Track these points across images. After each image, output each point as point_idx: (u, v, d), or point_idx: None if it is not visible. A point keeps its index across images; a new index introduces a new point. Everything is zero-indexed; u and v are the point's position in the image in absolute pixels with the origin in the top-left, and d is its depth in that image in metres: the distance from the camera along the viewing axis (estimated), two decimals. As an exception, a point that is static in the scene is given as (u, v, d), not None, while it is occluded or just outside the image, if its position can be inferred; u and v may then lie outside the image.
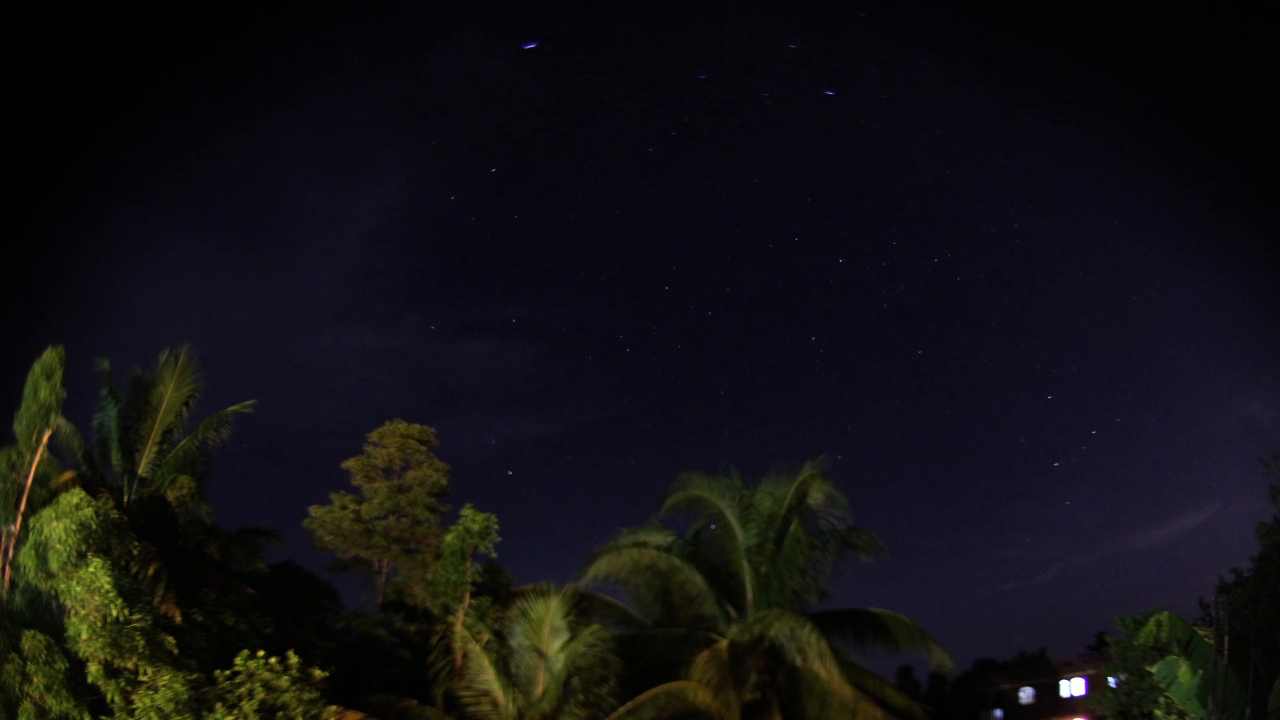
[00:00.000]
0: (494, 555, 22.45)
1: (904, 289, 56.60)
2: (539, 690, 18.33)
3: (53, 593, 15.03)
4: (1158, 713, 19.10)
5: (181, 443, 19.95)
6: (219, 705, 14.61)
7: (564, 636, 18.53)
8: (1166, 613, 19.09)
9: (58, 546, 14.71)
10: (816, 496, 20.90)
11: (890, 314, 58.03)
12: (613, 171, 56.10)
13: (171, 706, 14.03)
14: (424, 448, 28.39)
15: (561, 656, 18.16)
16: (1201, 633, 17.30)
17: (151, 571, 16.82)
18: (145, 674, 14.42)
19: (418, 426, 28.51)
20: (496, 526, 21.61)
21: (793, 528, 20.51)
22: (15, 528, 16.13)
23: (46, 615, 15.33)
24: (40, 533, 15.00)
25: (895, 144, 53.17)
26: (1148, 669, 19.56)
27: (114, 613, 14.23)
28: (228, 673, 15.13)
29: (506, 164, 53.71)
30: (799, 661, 18.97)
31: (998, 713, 42.23)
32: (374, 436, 28.36)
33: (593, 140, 53.48)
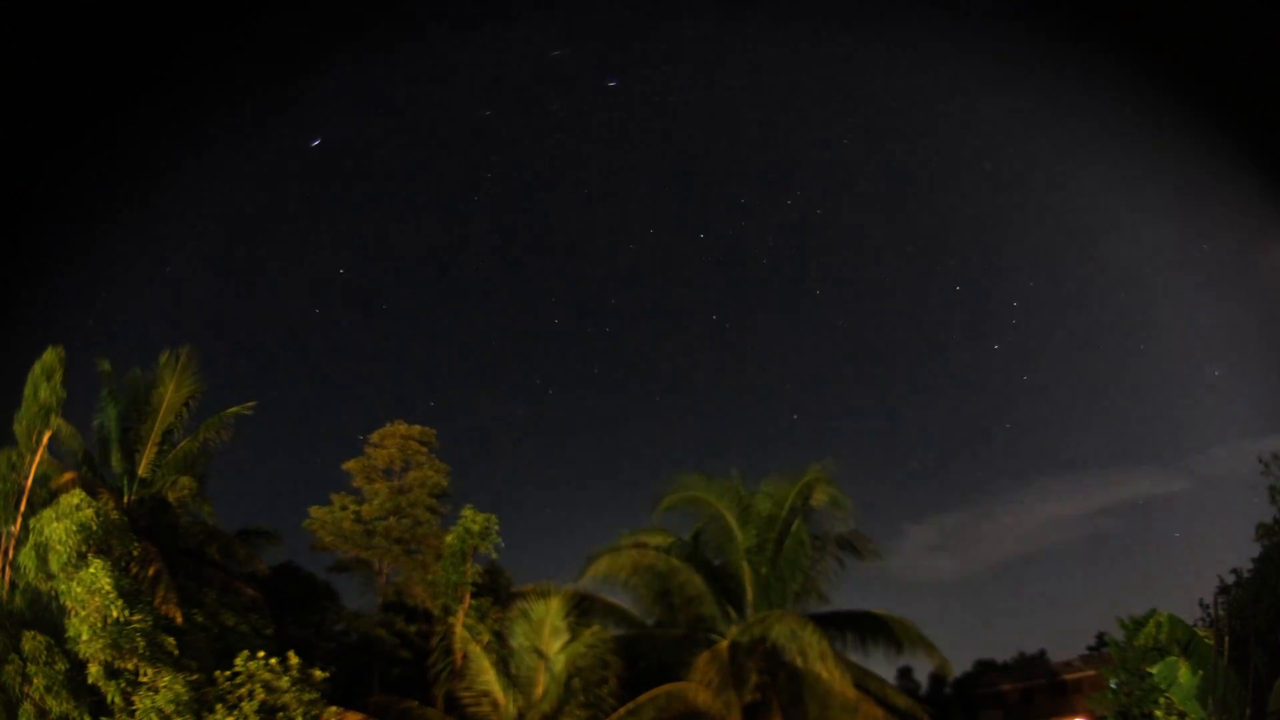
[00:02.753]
0: (494, 556, 22.51)
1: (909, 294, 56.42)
2: (539, 691, 18.33)
3: (53, 594, 15.03)
4: (1158, 713, 19.09)
5: (182, 443, 19.95)
6: (219, 706, 14.61)
7: (564, 637, 18.53)
8: (1166, 613, 19.11)
9: (58, 547, 14.71)
10: (820, 498, 20.94)
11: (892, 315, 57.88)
12: (610, 172, 56.14)
13: (172, 708, 14.02)
14: (424, 449, 28.42)
15: (562, 657, 18.16)
16: (1201, 633, 17.32)
17: (152, 572, 16.81)
18: (145, 675, 14.41)
19: (418, 427, 28.54)
20: (497, 527, 21.65)
21: (794, 529, 20.52)
22: (15, 529, 16.13)
23: (47, 616, 15.32)
24: (40, 533, 15.00)
25: (897, 144, 53.07)
26: (1148, 670, 19.57)
27: (114, 614, 14.23)
28: (228, 674, 15.13)
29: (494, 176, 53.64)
30: (799, 662, 18.96)
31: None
32: (374, 438, 28.38)
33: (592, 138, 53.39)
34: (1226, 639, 15.81)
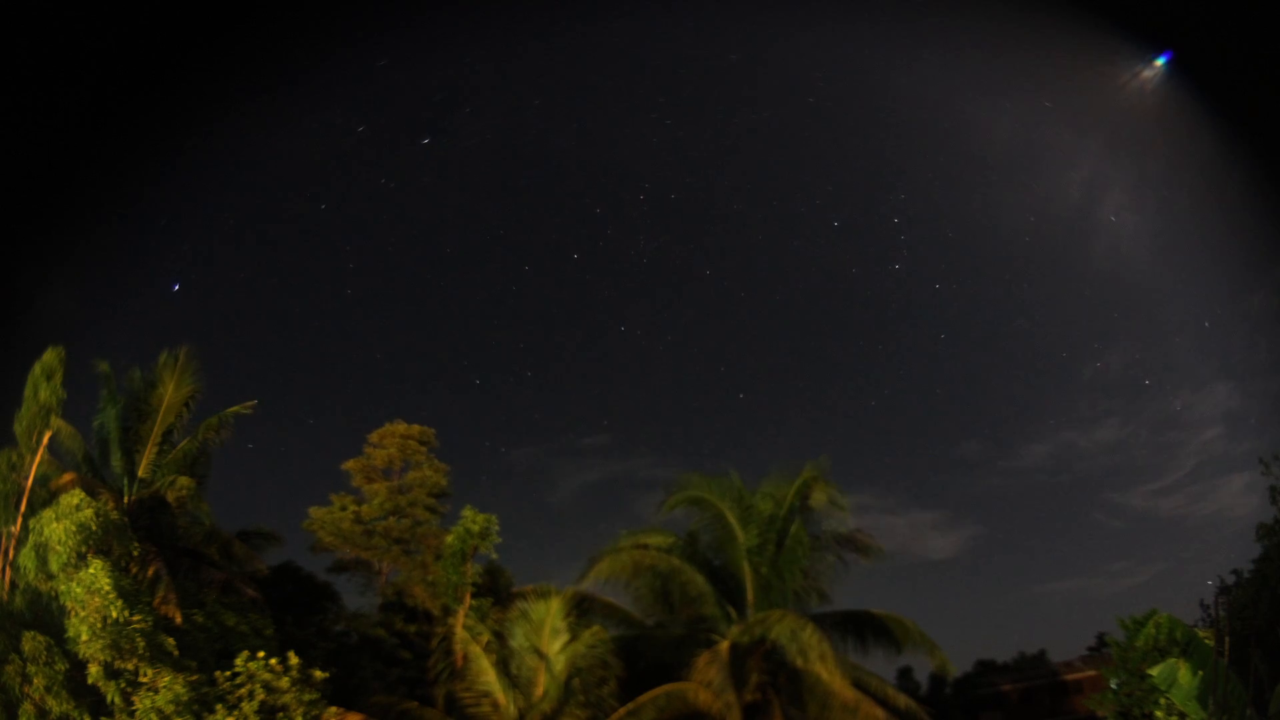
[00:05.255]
0: (494, 556, 22.50)
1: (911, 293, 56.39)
2: (539, 691, 18.32)
3: (53, 594, 15.04)
4: (1159, 714, 19.06)
5: (182, 444, 19.94)
6: (219, 706, 14.60)
7: (564, 637, 18.52)
8: (1165, 614, 19.11)
9: (58, 548, 14.71)
10: (819, 498, 20.93)
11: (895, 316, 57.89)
12: (609, 171, 56.19)
13: (172, 708, 14.01)
14: (424, 449, 28.43)
15: (562, 657, 18.16)
16: (1201, 634, 17.30)
17: (151, 573, 16.81)
18: (145, 675, 14.42)
19: (418, 427, 28.58)
20: (497, 527, 21.64)
21: (794, 529, 20.52)
22: (15, 529, 16.14)
23: (47, 616, 15.32)
24: (40, 534, 15.01)
25: (896, 140, 53.11)
26: (1148, 671, 19.55)
27: (114, 614, 14.23)
28: (228, 674, 15.12)
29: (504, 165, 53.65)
30: (800, 662, 18.95)
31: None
32: (374, 438, 28.43)
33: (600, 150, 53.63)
34: (1227, 639, 15.79)
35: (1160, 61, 32.95)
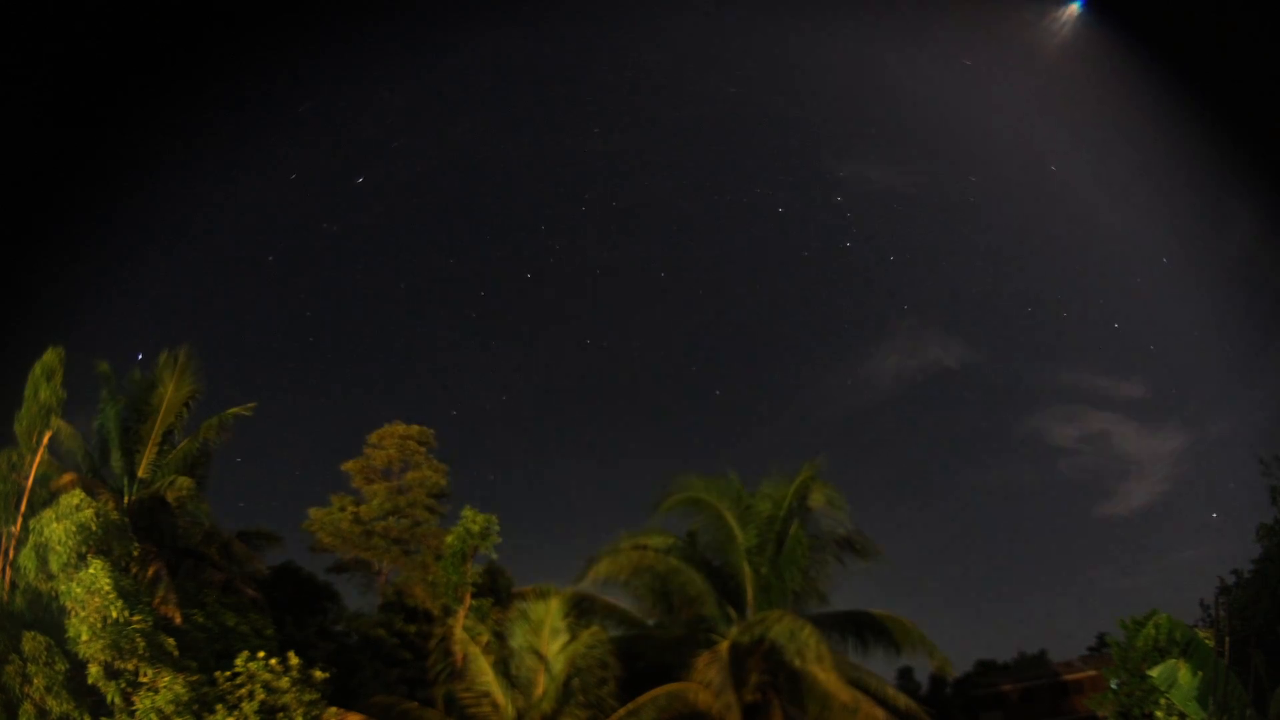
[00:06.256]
0: (494, 556, 22.50)
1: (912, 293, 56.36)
2: (539, 691, 18.32)
3: (53, 594, 15.05)
4: (1159, 714, 19.07)
5: (182, 444, 19.95)
6: (219, 706, 14.60)
7: (564, 638, 18.52)
8: (1165, 615, 19.12)
9: (58, 548, 14.72)
10: (817, 499, 20.93)
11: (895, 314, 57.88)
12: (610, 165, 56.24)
13: (172, 708, 14.02)
14: (423, 449, 28.44)
15: (562, 658, 18.16)
16: (1201, 634, 17.30)
17: (151, 573, 16.83)
18: (145, 675, 14.42)
19: (417, 428, 28.59)
20: (497, 528, 21.64)
21: (793, 529, 20.51)
22: (16, 529, 16.14)
23: (47, 617, 15.33)
24: (40, 534, 15.02)
25: (896, 139, 53.07)
26: (1148, 672, 19.56)
27: (114, 614, 14.24)
28: (228, 674, 15.12)
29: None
30: (799, 663, 18.96)
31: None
32: (373, 438, 28.43)
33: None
34: (1227, 640, 15.80)
35: (1075, 4, 32.91)
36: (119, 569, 15.16)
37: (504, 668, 18.73)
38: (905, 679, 40.81)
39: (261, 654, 15.45)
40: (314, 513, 27.17)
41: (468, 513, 21.85)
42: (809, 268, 56.48)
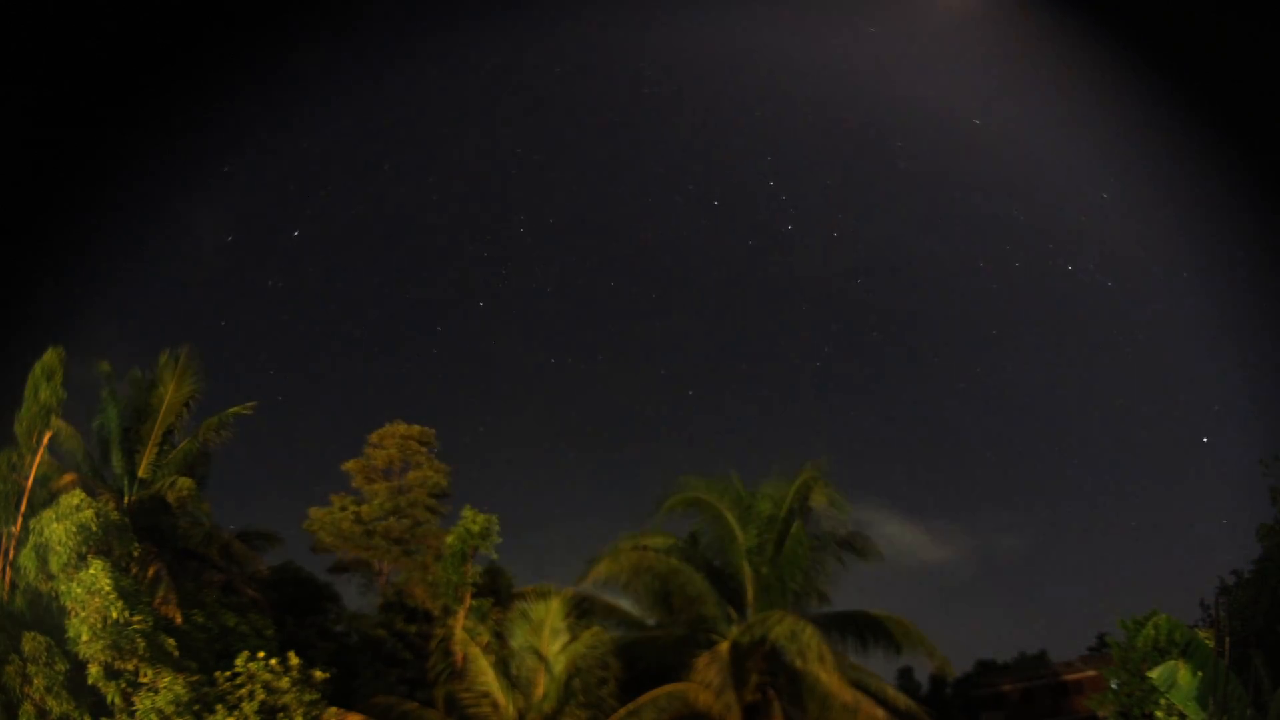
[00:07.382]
0: (495, 556, 22.50)
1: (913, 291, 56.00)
2: (539, 692, 18.32)
3: (53, 594, 15.06)
4: (1158, 715, 19.07)
5: (182, 444, 19.96)
6: (219, 707, 14.62)
7: (564, 638, 18.52)
8: (1165, 615, 19.11)
9: (58, 548, 14.73)
10: (818, 499, 20.93)
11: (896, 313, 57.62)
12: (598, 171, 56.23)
13: (172, 708, 14.03)
14: (424, 449, 28.43)
15: (562, 658, 18.16)
16: (1202, 634, 17.30)
17: (152, 573, 16.84)
18: (145, 675, 14.44)
19: (417, 428, 28.56)
20: (497, 528, 21.64)
21: (794, 529, 20.51)
22: (16, 529, 16.15)
23: (47, 617, 15.34)
24: (41, 534, 15.03)
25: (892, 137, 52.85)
26: (1148, 672, 19.56)
27: (114, 614, 14.25)
28: (228, 674, 15.14)
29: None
30: (799, 663, 18.96)
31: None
32: (374, 438, 28.40)
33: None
34: (1227, 640, 15.79)
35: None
36: (119, 569, 15.17)
37: (504, 668, 18.73)
38: (905, 679, 40.82)
39: (261, 654, 15.46)
40: (314, 513, 27.16)
41: (468, 513, 21.85)
42: (752, 257, 55.50)
